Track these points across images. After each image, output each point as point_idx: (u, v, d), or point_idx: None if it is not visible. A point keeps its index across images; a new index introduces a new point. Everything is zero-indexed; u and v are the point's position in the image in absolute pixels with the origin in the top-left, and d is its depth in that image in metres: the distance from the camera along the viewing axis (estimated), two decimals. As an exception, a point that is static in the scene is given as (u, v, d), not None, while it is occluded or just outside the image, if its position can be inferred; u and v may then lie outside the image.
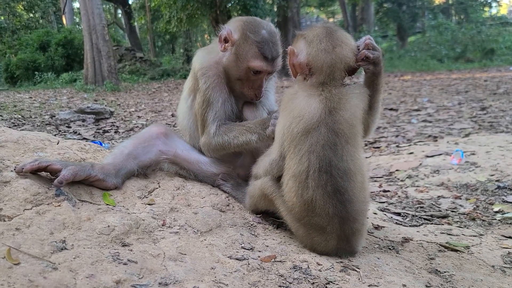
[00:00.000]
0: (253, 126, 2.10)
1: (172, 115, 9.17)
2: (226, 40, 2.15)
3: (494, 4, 31.88)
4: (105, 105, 10.17)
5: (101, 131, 7.24)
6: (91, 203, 1.75)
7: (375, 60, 1.77)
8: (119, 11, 34.25)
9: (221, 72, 2.19)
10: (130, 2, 31.00)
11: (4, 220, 1.46)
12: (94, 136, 6.64)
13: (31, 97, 13.44)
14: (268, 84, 2.31)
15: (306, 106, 1.69)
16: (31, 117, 8.89)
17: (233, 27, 2.15)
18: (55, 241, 1.44)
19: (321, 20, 42.46)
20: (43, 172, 1.75)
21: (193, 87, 2.27)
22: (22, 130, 7.02)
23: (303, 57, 1.74)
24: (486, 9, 31.79)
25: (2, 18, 24.90)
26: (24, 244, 1.37)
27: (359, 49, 1.77)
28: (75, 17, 32.81)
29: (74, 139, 6.20)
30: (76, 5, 32.78)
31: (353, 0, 29.50)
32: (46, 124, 7.88)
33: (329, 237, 1.72)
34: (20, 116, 8.88)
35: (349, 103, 1.71)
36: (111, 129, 7.45)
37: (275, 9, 21.30)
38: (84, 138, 6.33)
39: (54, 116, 8.87)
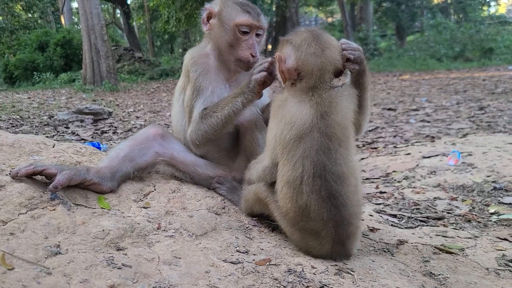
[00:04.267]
0: (237, 90, 2.08)
1: (171, 115, 9.16)
2: (208, 19, 2.23)
3: (492, 3, 31.96)
4: (104, 106, 10.17)
5: (99, 131, 7.24)
6: (86, 207, 1.75)
7: (357, 60, 1.79)
8: (118, 11, 34.24)
9: (212, 61, 2.22)
10: (128, 2, 30.98)
11: (-1, 225, 1.47)
12: (92, 137, 6.64)
13: (29, 98, 13.43)
14: None
15: (297, 112, 1.68)
16: (29, 117, 8.89)
17: (211, 4, 2.25)
18: (50, 246, 1.44)
19: (320, 20, 42.44)
20: (38, 176, 1.75)
21: (184, 84, 2.28)
22: (21, 130, 7.05)
23: (291, 62, 1.73)
24: (485, 8, 31.83)
25: (1, 18, 24.87)
26: (18, 249, 1.37)
27: None
28: (73, 17, 32.79)
29: (73, 140, 6.21)
30: (75, 5, 32.70)
31: (351, -1, 29.51)
32: (45, 125, 7.88)
33: (324, 241, 1.72)
34: (18, 117, 8.87)
35: (340, 105, 1.71)
36: (110, 129, 7.45)
37: (274, 9, 21.30)
38: (83, 139, 6.33)
39: (53, 116, 8.87)
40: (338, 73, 1.78)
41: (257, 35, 2.19)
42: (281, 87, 1.87)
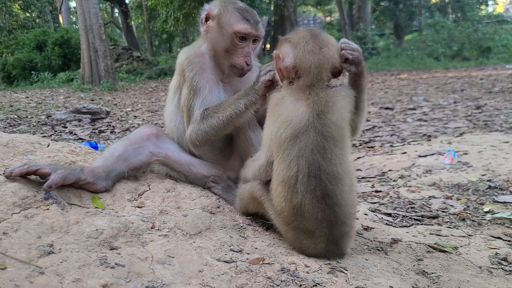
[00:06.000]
0: (241, 92, 2.07)
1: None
2: (207, 19, 2.22)
3: (490, 2, 31.98)
4: (102, 105, 10.15)
5: (97, 131, 7.24)
6: (80, 206, 1.76)
7: (355, 61, 1.78)
8: (116, 10, 34.18)
9: (207, 60, 2.21)
10: (127, 1, 30.93)
11: (-8, 225, 1.47)
12: (90, 136, 6.63)
13: (27, 97, 13.40)
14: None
15: (294, 110, 1.68)
16: (27, 117, 8.87)
17: (211, 5, 2.24)
18: (43, 245, 1.44)
19: (318, 19, 42.45)
20: (32, 176, 1.75)
21: (179, 84, 2.27)
22: (18, 130, 7.03)
23: (289, 60, 1.73)
24: (483, 7, 31.84)
25: (-1, 17, 24.81)
26: (11, 249, 1.37)
27: None
28: (71, 17, 32.70)
29: (70, 139, 6.21)
30: (73, 4, 32.64)
31: (350, -2, 29.51)
32: (42, 124, 7.86)
33: (317, 240, 1.73)
34: (16, 116, 8.86)
35: (336, 105, 1.71)
36: (107, 129, 7.44)
37: (272, 8, 21.31)
38: (80, 138, 6.33)
39: (50, 116, 8.86)
40: (336, 73, 1.77)
41: (254, 41, 2.19)
42: (278, 85, 1.87)
